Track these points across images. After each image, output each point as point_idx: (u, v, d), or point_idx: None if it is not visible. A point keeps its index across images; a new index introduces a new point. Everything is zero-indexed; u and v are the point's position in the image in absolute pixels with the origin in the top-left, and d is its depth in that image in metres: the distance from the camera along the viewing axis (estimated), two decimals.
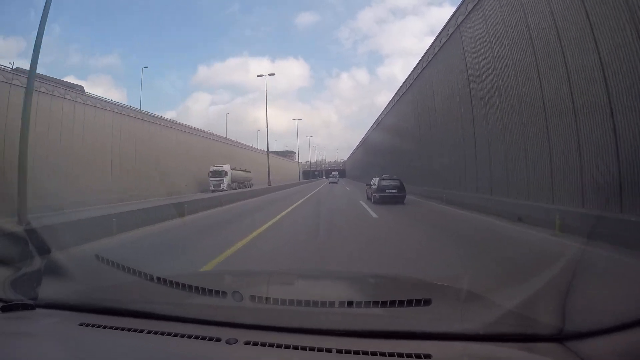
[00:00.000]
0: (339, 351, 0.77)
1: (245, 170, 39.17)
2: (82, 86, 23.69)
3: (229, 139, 44.19)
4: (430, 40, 18.10)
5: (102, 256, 1.50)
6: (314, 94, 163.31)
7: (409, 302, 0.96)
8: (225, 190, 28.29)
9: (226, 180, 32.73)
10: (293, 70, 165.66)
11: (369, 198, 15.18)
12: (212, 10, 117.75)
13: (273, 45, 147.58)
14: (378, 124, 35.78)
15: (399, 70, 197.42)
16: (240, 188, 32.83)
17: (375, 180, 14.59)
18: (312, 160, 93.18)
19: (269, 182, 33.68)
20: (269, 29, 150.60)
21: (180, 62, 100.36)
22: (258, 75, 43.54)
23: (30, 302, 1.20)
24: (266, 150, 37.56)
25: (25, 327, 1.11)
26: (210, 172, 32.77)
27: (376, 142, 35.57)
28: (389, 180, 14.34)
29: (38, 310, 1.18)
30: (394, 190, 13.72)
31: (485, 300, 1.13)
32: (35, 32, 8.02)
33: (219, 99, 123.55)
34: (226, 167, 33.71)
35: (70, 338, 1.01)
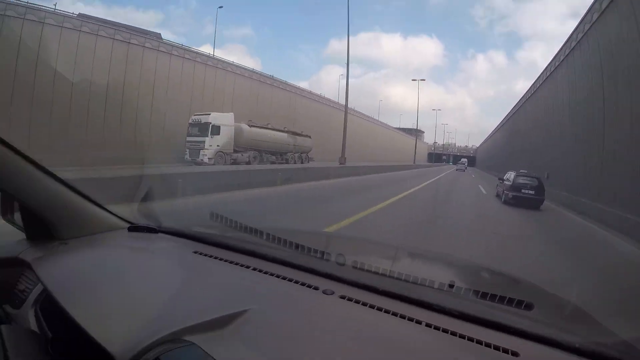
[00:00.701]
0: (428, 325, 0.77)
1: (291, 133, 23.94)
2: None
3: (356, 111, 42.80)
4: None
5: (215, 213, 1.50)
6: (448, 75, 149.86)
7: (510, 301, 0.90)
8: (206, 164, 16.80)
9: (213, 142, 17.97)
10: (426, 49, 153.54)
11: (498, 195, 13.21)
12: None
13: (405, 22, 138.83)
14: (517, 110, 28.91)
15: (540, 55, 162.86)
16: (272, 162, 21.15)
17: (510, 176, 12.25)
18: (440, 143, 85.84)
19: (342, 159, 21.72)
20: (400, 3, 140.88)
21: (313, 35, 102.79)
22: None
23: (154, 226, 1.38)
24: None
25: (147, 245, 1.28)
26: (190, 124, 18.64)
27: (516, 130, 28.61)
28: (527, 179, 11.75)
29: (160, 234, 1.34)
30: (530, 192, 11.28)
31: (594, 320, 0.99)
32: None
33: (351, 73, 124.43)
34: (218, 117, 18.59)
35: (184, 261, 1.14)
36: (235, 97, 24.82)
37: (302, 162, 24.47)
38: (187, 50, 23.00)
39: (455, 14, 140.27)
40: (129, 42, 19.28)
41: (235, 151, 19.51)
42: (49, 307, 0.96)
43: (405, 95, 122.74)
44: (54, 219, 1.19)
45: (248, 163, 19.51)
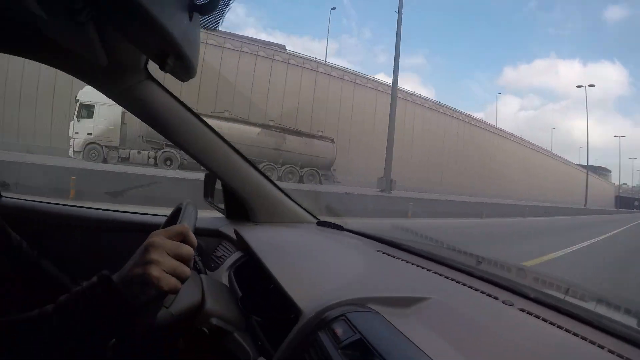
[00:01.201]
0: (611, 352, 0.70)
1: (281, 130, 16.57)
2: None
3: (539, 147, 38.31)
4: None
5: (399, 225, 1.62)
6: (637, 107, 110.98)
7: None
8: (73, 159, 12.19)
9: (80, 128, 13.06)
10: (608, 75, 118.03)
11: None
12: (507, 9, 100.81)
13: (581, 46, 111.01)
14: None
15: None
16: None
17: None
18: (630, 184, 66.09)
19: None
20: (574, 25, 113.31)
21: (485, 62, 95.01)
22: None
23: (340, 224, 1.49)
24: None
25: (334, 236, 1.40)
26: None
27: None
28: None
29: (345, 232, 1.44)
30: None
31: None
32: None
33: (528, 104, 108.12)
34: (91, 93, 10.91)
35: (369, 253, 1.22)
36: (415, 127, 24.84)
37: (317, 181, 16.12)
38: (362, 77, 24.78)
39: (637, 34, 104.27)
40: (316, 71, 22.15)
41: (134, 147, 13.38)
42: (240, 272, 1.18)
43: (585, 128, 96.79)
44: (254, 204, 1.42)
45: (155, 165, 13.29)
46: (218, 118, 13.85)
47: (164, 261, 0.58)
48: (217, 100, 17.64)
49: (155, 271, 0.57)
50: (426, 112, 26.85)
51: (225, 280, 1.18)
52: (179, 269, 0.59)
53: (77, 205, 1.72)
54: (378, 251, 1.21)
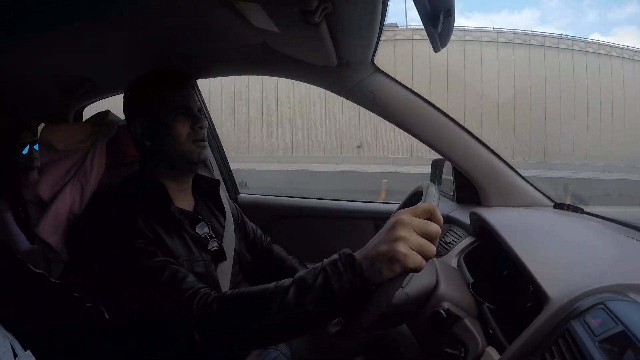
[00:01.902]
0: None
1: None
2: None
3: None
4: None
5: None
6: None
7: None
8: None
9: None
10: None
11: None
12: None
13: None
14: None
15: None
16: None
17: None
18: None
19: None
20: None
21: None
22: None
23: (580, 207, 1.32)
24: None
25: (574, 220, 1.23)
26: None
27: None
28: None
29: (585, 215, 1.26)
30: None
31: None
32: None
33: None
34: None
35: (616, 238, 1.06)
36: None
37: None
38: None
39: None
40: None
41: None
42: (470, 258, 1.15)
43: None
44: (488, 187, 1.35)
45: None
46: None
47: (411, 238, 0.57)
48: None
49: (402, 248, 0.56)
50: None
51: (455, 266, 1.15)
52: (426, 247, 0.57)
53: (306, 197, 1.90)
54: (627, 237, 1.03)
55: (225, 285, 0.96)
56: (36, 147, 1.73)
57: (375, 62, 1.18)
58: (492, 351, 0.79)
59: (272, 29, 0.83)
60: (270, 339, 0.72)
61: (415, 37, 17.21)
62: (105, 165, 1.12)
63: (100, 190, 1.07)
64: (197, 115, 0.96)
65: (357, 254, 0.61)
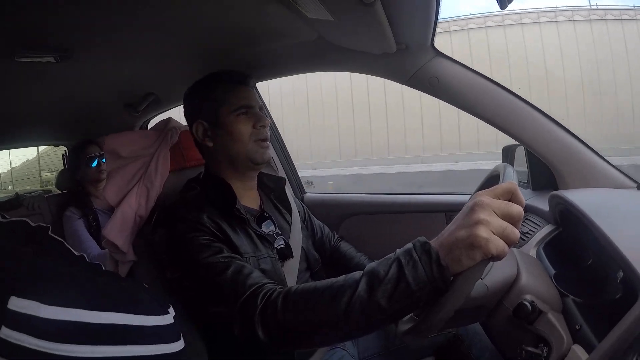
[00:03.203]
0: None
1: None
2: None
3: None
4: None
5: None
6: None
7: None
8: None
9: None
10: None
11: None
12: None
13: None
14: None
15: None
16: None
17: None
18: None
19: None
20: None
21: None
22: None
23: None
24: None
25: None
26: None
27: None
28: None
29: None
30: None
31: None
32: None
33: None
34: None
35: None
36: None
37: None
38: None
39: None
40: None
41: None
42: (549, 248, 1.08)
43: None
44: (564, 169, 1.26)
45: None
46: None
47: (492, 221, 0.52)
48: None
49: (483, 232, 0.51)
50: None
51: (534, 256, 1.07)
52: (508, 230, 0.52)
53: (373, 192, 1.86)
54: None
55: (292, 283, 0.96)
56: (104, 160, 1.86)
57: (435, 45, 1.13)
58: (578, 349, 0.71)
59: (326, 17, 0.82)
60: (337, 336, 0.67)
61: (471, 25, 16.48)
62: (169, 169, 1.16)
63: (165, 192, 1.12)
64: (258, 114, 0.97)
65: (434, 242, 0.57)
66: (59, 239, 0.60)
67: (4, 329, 0.37)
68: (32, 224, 0.58)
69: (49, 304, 0.41)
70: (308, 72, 1.33)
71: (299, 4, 0.78)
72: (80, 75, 1.15)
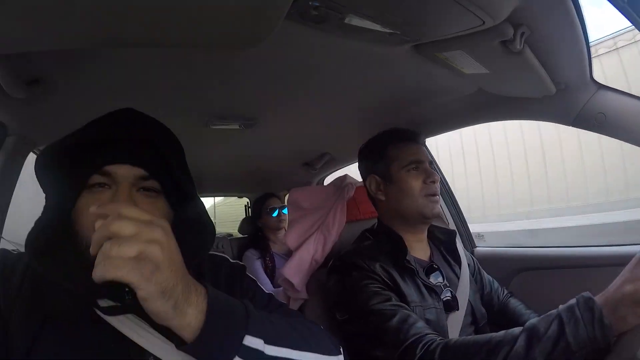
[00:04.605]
0: None
1: None
2: None
3: None
4: None
5: None
6: None
7: None
8: None
9: None
10: None
11: None
12: None
13: None
14: None
15: None
16: None
17: None
18: None
19: None
20: None
21: None
22: None
23: None
24: None
25: None
26: None
27: None
28: None
29: None
30: None
31: None
32: None
33: None
34: None
35: None
36: None
37: None
38: None
39: None
40: None
41: None
42: None
43: None
44: None
45: None
46: None
47: None
48: None
49: None
50: None
51: None
52: None
53: (548, 246, 1.69)
54: None
55: (454, 335, 0.94)
56: (285, 210, 2.19)
57: (596, 78, 1.01)
58: None
59: (481, 70, 0.86)
60: None
61: (620, 43, 13.20)
62: (345, 220, 1.31)
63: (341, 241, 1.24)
64: (428, 169, 1.02)
65: (598, 298, 0.53)
66: (252, 277, 0.73)
67: (237, 359, 0.47)
68: (231, 260, 0.72)
69: (268, 344, 0.50)
70: (474, 124, 1.33)
71: (454, 62, 0.84)
72: (262, 138, 1.39)
